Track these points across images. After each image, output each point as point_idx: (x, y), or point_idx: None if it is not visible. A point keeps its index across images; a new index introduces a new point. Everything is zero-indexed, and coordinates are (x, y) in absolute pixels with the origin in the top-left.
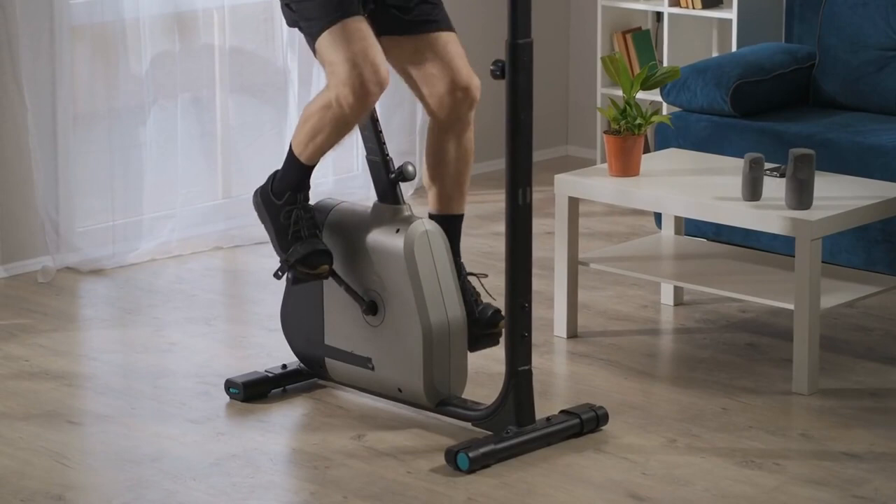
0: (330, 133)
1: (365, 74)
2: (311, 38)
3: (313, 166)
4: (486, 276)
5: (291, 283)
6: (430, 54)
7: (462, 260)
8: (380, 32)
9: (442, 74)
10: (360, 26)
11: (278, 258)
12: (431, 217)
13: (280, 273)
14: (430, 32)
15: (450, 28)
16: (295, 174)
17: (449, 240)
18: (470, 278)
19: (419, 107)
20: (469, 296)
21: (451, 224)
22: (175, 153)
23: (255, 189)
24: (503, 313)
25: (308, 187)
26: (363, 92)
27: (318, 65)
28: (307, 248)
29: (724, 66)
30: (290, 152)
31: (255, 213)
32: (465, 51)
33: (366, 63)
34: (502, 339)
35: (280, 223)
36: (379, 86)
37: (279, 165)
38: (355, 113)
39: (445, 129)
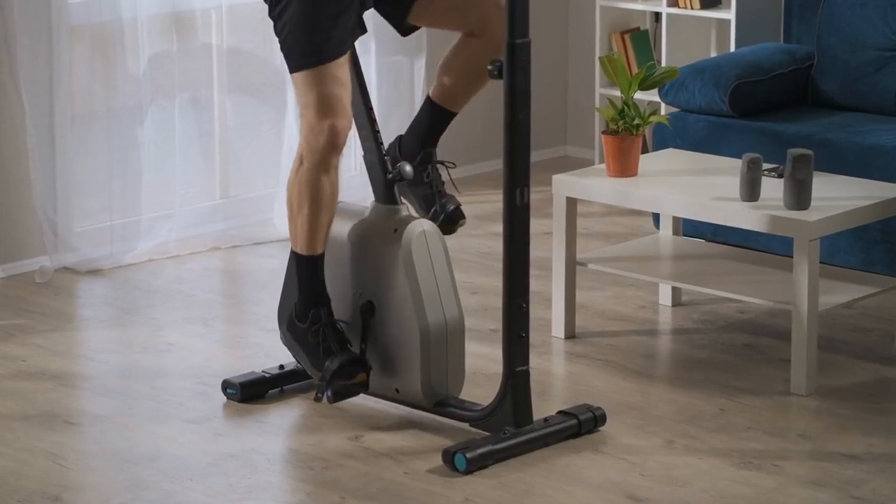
0: (313, 193)
1: (336, 124)
2: (288, 69)
3: (320, 257)
4: (454, 165)
5: (331, 402)
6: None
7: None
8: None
9: (480, 4)
10: (337, 72)
11: (315, 383)
12: (430, 100)
13: (319, 395)
14: None
15: None
16: (308, 281)
17: (437, 131)
18: (439, 166)
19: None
20: (434, 186)
21: (445, 119)
22: (173, 153)
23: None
24: (464, 211)
25: (328, 301)
26: (331, 136)
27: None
28: (341, 360)
29: (723, 67)
30: (294, 257)
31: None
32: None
33: (337, 109)
34: (501, 338)
35: (309, 344)
36: (345, 133)
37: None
38: (327, 154)
39: (484, 43)
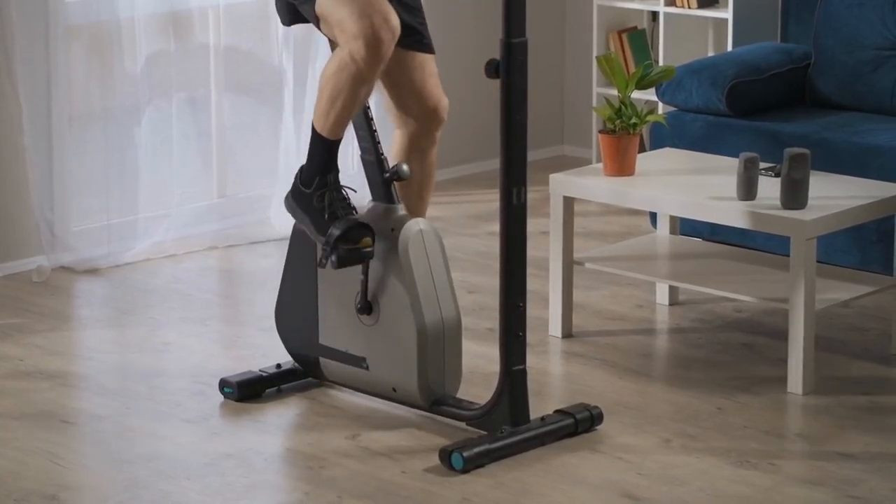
0: (349, 95)
1: (376, 23)
2: (311, 3)
3: (338, 141)
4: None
5: (336, 267)
6: (410, 70)
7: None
8: None
9: (415, 92)
10: None
11: (320, 247)
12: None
13: (324, 259)
14: (417, 52)
15: (433, 51)
16: (321, 155)
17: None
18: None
19: None
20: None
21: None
22: (170, 153)
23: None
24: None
25: (336, 168)
26: (376, 42)
27: (325, 40)
28: (346, 224)
29: (720, 66)
30: (313, 132)
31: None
32: (457, 52)
33: (375, 12)
34: (498, 337)
35: (314, 208)
36: (391, 32)
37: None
38: (371, 66)
39: (413, 146)
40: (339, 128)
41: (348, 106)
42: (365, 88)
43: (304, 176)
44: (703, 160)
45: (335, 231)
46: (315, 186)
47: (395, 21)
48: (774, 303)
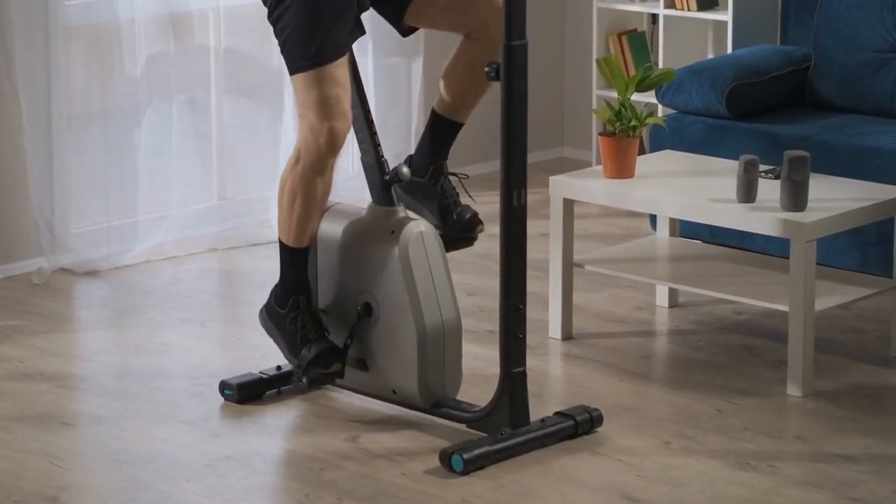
0: (305, 190)
1: (336, 126)
2: (288, 71)
3: (305, 250)
4: (466, 176)
5: (307, 387)
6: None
7: (449, 187)
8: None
9: (475, 4)
10: (337, 74)
11: (292, 366)
12: (435, 113)
13: (298, 379)
14: None
15: None
16: (290, 266)
17: (446, 143)
18: (451, 178)
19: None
20: (449, 196)
21: (453, 130)
22: (170, 154)
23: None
24: (480, 218)
25: (309, 290)
26: (331, 138)
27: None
28: (318, 349)
29: (720, 68)
30: (280, 245)
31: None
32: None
33: (336, 111)
34: (498, 339)
35: (287, 330)
36: (344, 135)
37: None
38: (326, 155)
39: (482, 45)
40: (302, 232)
41: (307, 204)
42: (321, 181)
43: (277, 295)
44: (703, 162)
45: (307, 355)
46: (289, 308)
47: (349, 117)
48: (774, 305)
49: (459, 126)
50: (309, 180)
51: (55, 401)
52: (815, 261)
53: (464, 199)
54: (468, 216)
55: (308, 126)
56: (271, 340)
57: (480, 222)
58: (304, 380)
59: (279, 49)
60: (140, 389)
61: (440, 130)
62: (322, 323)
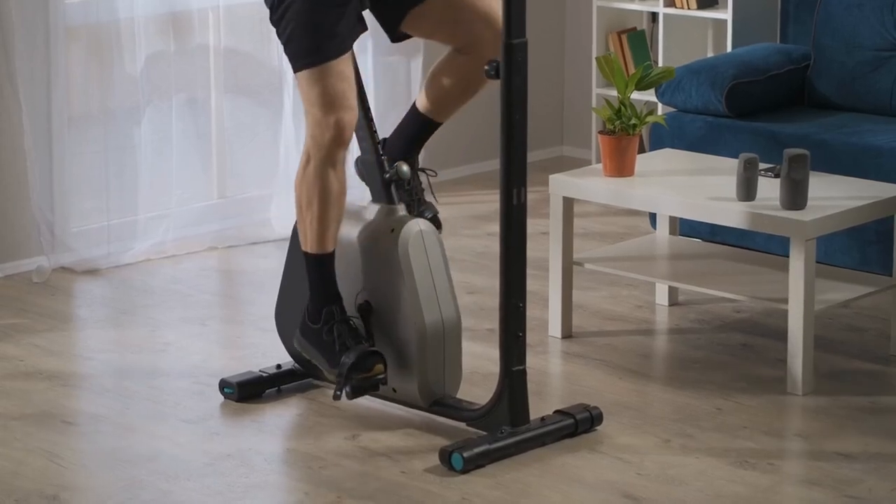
0: (321, 189)
1: (342, 118)
2: (292, 69)
3: (329, 256)
4: (434, 173)
5: (350, 398)
6: (460, 4)
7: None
8: (406, 7)
9: (477, 18)
10: (341, 68)
11: (334, 382)
12: (415, 109)
13: (339, 392)
14: None
15: None
16: (320, 279)
17: (420, 140)
18: (420, 173)
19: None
20: (414, 194)
21: (430, 129)
22: (170, 154)
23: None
24: (440, 219)
25: (339, 297)
26: (338, 131)
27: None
28: (356, 353)
29: (719, 67)
30: (305, 258)
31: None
32: None
33: (342, 104)
34: (498, 337)
35: (324, 342)
36: (351, 127)
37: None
38: (332, 152)
39: (472, 60)
40: (324, 234)
41: (323, 203)
42: (334, 176)
43: (310, 313)
44: (703, 161)
45: (348, 360)
46: (323, 320)
47: (356, 110)
48: (774, 303)
49: (437, 125)
50: (322, 177)
51: (55, 399)
52: (814, 259)
53: (428, 198)
54: (429, 216)
55: (314, 121)
56: (304, 357)
57: (439, 224)
58: (347, 388)
59: (282, 48)
60: (140, 388)
61: (418, 127)
62: (358, 330)
